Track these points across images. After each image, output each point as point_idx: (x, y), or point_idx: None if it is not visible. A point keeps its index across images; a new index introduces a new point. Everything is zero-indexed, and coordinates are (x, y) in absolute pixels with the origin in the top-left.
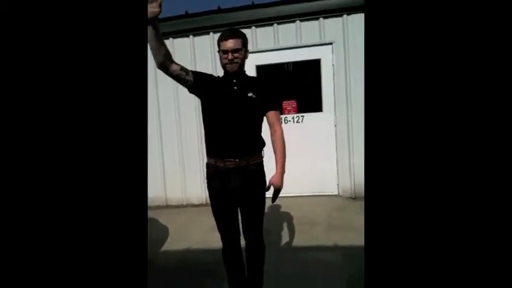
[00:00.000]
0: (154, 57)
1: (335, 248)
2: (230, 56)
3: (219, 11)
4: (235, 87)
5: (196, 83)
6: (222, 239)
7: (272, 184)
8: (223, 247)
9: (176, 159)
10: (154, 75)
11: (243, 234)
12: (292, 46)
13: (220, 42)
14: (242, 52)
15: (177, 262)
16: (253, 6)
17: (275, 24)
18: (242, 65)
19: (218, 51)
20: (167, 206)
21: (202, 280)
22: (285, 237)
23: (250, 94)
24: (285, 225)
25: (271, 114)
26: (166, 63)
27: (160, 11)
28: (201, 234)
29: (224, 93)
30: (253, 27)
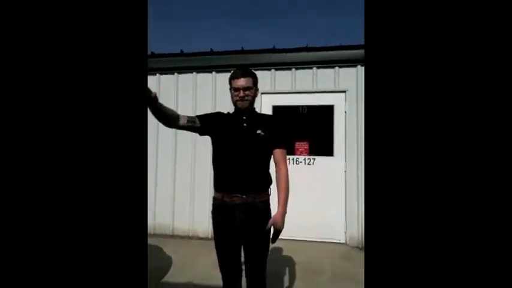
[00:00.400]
0: (161, 122)
1: None
2: (241, 94)
3: (243, 51)
4: (245, 124)
5: (203, 126)
6: (223, 278)
7: (273, 224)
8: (223, 285)
9: (187, 190)
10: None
11: (246, 273)
12: (308, 91)
13: (232, 80)
14: (253, 90)
15: None
16: (275, 51)
17: (293, 69)
18: (252, 102)
19: (230, 89)
20: (173, 236)
21: None
22: (287, 282)
23: (259, 131)
24: (287, 270)
25: (278, 152)
26: (173, 124)
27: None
28: (204, 268)
29: (234, 130)
30: (272, 70)
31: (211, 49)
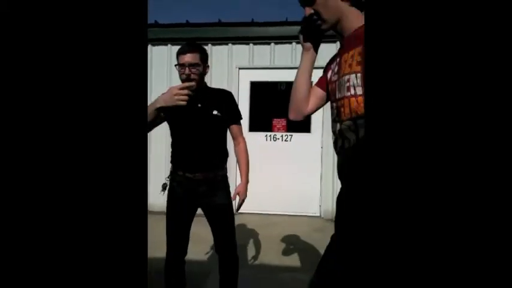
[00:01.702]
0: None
1: (312, 269)
2: (187, 71)
3: (220, 24)
4: (199, 105)
5: (161, 109)
6: (169, 248)
7: (238, 193)
8: (167, 258)
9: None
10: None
11: (216, 249)
12: (288, 66)
13: (178, 56)
14: (200, 67)
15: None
16: (254, 24)
17: (272, 44)
18: (201, 80)
19: (175, 65)
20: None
21: None
22: (263, 255)
23: (215, 112)
24: (262, 242)
25: (235, 127)
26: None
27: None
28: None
29: (188, 111)
30: (251, 44)
31: (187, 20)
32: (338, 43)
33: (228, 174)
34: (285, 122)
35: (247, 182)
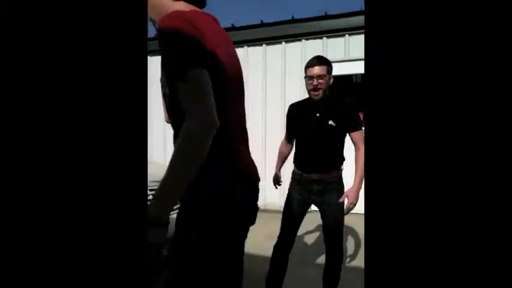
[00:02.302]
0: None
1: None
2: (315, 82)
3: (292, 21)
4: (318, 114)
5: (288, 126)
6: (279, 236)
7: (347, 196)
8: (278, 239)
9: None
10: None
11: (324, 240)
12: (362, 58)
13: (307, 69)
14: (326, 79)
15: None
16: (326, 17)
17: (346, 35)
18: (325, 90)
19: (304, 77)
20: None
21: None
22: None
23: (330, 122)
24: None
25: (355, 134)
26: None
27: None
28: (258, 240)
29: (307, 120)
30: (324, 38)
31: (261, 21)
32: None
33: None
34: (363, 116)
35: (359, 187)
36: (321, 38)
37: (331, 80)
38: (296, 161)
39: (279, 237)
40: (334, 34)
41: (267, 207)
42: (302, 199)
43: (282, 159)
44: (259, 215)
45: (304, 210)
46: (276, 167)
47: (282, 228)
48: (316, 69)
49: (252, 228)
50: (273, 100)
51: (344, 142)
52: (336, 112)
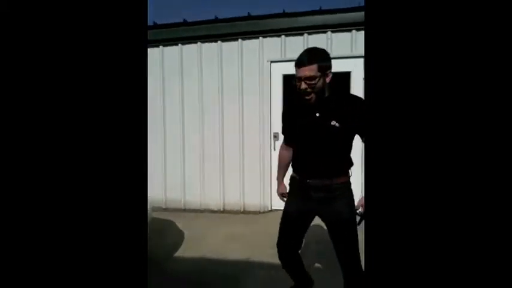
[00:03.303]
0: None
1: None
2: (303, 85)
3: (250, 17)
4: (317, 114)
5: (284, 128)
6: (278, 242)
7: (361, 205)
8: (279, 255)
9: (197, 164)
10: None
11: (340, 262)
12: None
13: (295, 67)
14: (317, 80)
15: (189, 269)
16: (285, 15)
17: (305, 34)
18: (321, 91)
19: (292, 80)
20: (185, 210)
21: None
22: None
23: (333, 123)
24: None
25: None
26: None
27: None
28: (217, 242)
29: (305, 120)
30: (282, 36)
31: (216, 17)
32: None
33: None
34: None
35: None
36: (280, 36)
37: (329, 77)
38: (294, 164)
39: (278, 243)
40: (293, 32)
41: (226, 208)
42: (303, 208)
43: (283, 167)
44: (215, 215)
45: (305, 221)
46: (279, 177)
47: (279, 235)
48: (305, 70)
49: (210, 229)
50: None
51: (351, 144)
52: (340, 111)
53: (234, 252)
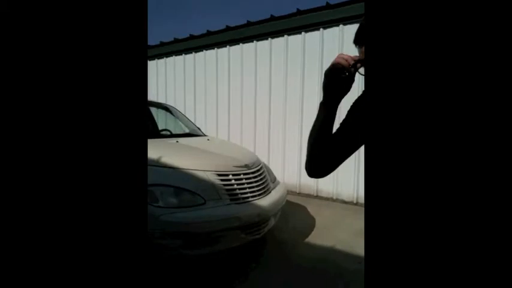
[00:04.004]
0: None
1: None
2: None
3: (328, 6)
4: None
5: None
6: None
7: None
8: None
9: None
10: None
11: None
12: None
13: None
14: None
15: (318, 260)
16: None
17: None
18: None
19: None
20: (317, 196)
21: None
22: None
23: None
24: None
25: None
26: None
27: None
28: (347, 235)
29: None
30: None
31: (298, 9)
32: None
33: None
34: None
35: None
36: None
37: None
38: None
39: None
40: None
41: (359, 201)
42: None
43: None
44: (346, 206)
45: None
46: None
47: None
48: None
49: (340, 220)
50: None
51: None
52: None
53: (363, 248)
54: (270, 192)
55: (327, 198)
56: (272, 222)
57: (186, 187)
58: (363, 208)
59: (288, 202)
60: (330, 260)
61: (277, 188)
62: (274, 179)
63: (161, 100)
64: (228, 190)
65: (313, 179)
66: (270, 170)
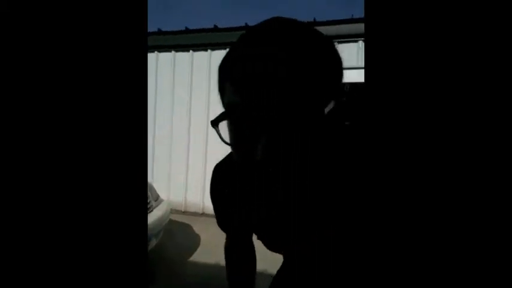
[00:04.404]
0: None
1: None
2: None
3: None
4: None
5: None
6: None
7: None
8: None
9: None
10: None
11: None
12: (353, 67)
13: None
14: None
15: (204, 275)
16: (315, 24)
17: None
18: None
19: None
20: (203, 214)
21: None
22: None
23: None
24: None
25: None
26: None
27: None
28: None
29: None
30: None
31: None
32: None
33: None
34: None
35: None
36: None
37: None
38: None
39: None
40: None
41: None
42: None
43: None
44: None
45: None
46: None
47: None
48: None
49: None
50: None
51: None
52: None
53: None
54: (152, 211)
55: (213, 215)
56: (154, 241)
57: None
58: None
59: (172, 221)
60: (215, 274)
61: (159, 206)
62: (156, 197)
63: None
64: None
65: (199, 196)
66: (152, 187)
